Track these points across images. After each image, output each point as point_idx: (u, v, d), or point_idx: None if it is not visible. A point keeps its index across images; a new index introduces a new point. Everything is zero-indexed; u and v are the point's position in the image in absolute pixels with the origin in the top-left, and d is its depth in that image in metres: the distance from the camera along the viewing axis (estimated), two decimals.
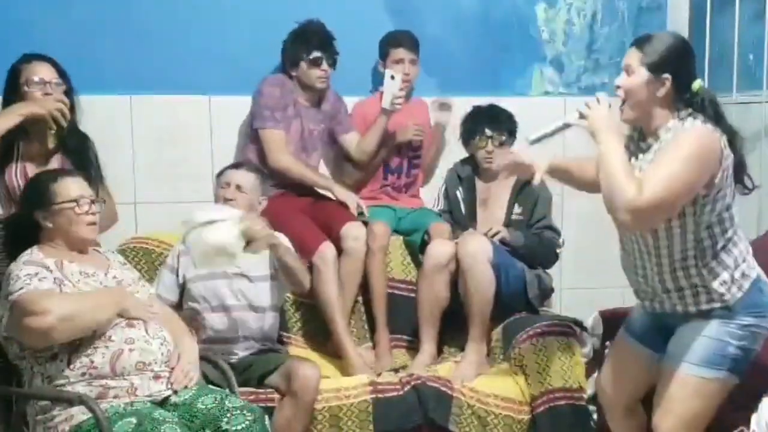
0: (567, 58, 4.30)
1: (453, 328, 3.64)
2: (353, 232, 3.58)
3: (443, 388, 3.24)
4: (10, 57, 3.58)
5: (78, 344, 2.50)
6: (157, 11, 3.77)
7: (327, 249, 3.49)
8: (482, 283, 3.44)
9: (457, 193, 3.77)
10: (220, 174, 3.42)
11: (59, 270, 2.58)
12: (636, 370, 2.78)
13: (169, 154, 3.79)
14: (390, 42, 3.85)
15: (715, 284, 2.49)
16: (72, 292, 2.54)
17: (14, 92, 2.99)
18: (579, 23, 4.30)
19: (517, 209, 3.68)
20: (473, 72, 4.19)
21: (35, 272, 2.51)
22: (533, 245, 3.64)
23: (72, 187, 2.66)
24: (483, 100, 4.08)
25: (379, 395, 3.18)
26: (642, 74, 2.47)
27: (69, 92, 3.03)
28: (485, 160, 3.69)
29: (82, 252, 2.70)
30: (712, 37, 4.16)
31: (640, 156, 2.58)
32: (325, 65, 3.67)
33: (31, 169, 2.96)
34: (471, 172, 3.78)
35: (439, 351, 3.67)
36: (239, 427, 2.51)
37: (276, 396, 3.08)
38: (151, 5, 3.76)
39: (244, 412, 2.56)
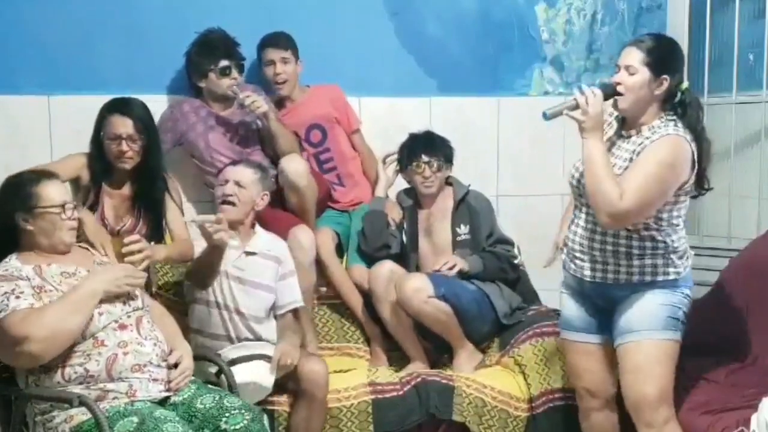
0: (567, 58, 4.30)
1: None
2: (301, 240, 3.52)
3: (444, 381, 3.26)
4: (10, 56, 3.61)
5: (70, 354, 2.49)
6: (157, 11, 3.76)
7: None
8: (434, 318, 3.44)
9: (403, 222, 3.70)
10: (219, 172, 3.43)
11: (38, 275, 2.55)
12: (593, 360, 2.91)
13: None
14: (259, 46, 3.76)
15: (675, 257, 2.73)
16: (48, 303, 2.48)
17: (97, 138, 3.18)
18: (579, 23, 4.30)
19: (462, 229, 3.63)
20: (473, 72, 4.18)
21: (11, 289, 2.47)
22: (493, 266, 3.60)
23: (56, 191, 2.63)
24: (483, 100, 4.09)
25: (379, 396, 3.18)
26: (644, 73, 2.66)
27: (148, 145, 3.17)
28: (423, 185, 3.65)
29: (63, 253, 2.66)
30: (712, 37, 4.16)
31: (619, 142, 2.77)
32: (234, 73, 3.63)
33: (107, 193, 3.20)
34: (413, 202, 3.73)
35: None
36: (237, 427, 2.51)
37: (277, 399, 3.09)
38: (150, 5, 3.76)
39: (242, 411, 2.55)
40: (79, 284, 2.55)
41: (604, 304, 2.84)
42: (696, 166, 2.67)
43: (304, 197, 3.60)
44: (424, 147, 3.65)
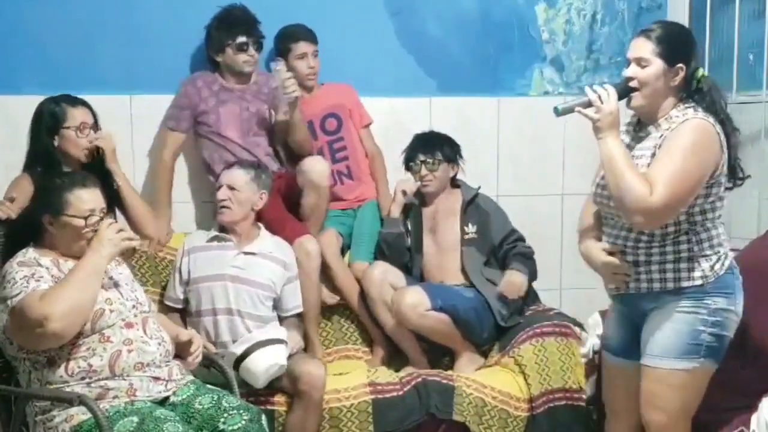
0: (567, 58, 4.30)
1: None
2: (309, 250, 3.52)
3: (444, 381, 3.26)
4: (10, 56, 3.61)
5: (75, 348, 2.50)
6: (157, 11, 3.76)
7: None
8: (434, 330, 3.47)
9: (407, 222, 3.73)
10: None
11: (56, 266, 2.58)
12: (629, 386, 2.71)
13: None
14: (288, 38, 3.76)
15: (702, 260, 2.52)
16: (59, 282, 2.50)
17: (54, 132, 3.12)
18: (579, 23, 4.30)
19: (471, 228, 3.63)
20: (473, 72, 4.18)
21: (31, 273, 2.50)
22: (532, 267, 3.59)
23: (85, 200, 2.61)
24: (483, 100, 4.09)
25: (379, 396, 3.18)
26: (657, 65, 2.50)
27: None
28: (422, 184, 3.68)
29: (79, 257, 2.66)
30: (712, 37, 4.16)
31: (637, 145, 2.60)
32: (251, 50, 3.62)
33: None
34: (418, 201, 3.75)
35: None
36: (235, 427, 2.51)
37: (276, 399, 3.10)
38: (150, 5, 3.76)
39: (241, 411, 2.56)
40: (82, 260, 2.54)
41: (638, 320, 2.65)
42: (725, 153, 2.50)
43: (324, 197, 3.64)
44: (421, 147, 3.68)
